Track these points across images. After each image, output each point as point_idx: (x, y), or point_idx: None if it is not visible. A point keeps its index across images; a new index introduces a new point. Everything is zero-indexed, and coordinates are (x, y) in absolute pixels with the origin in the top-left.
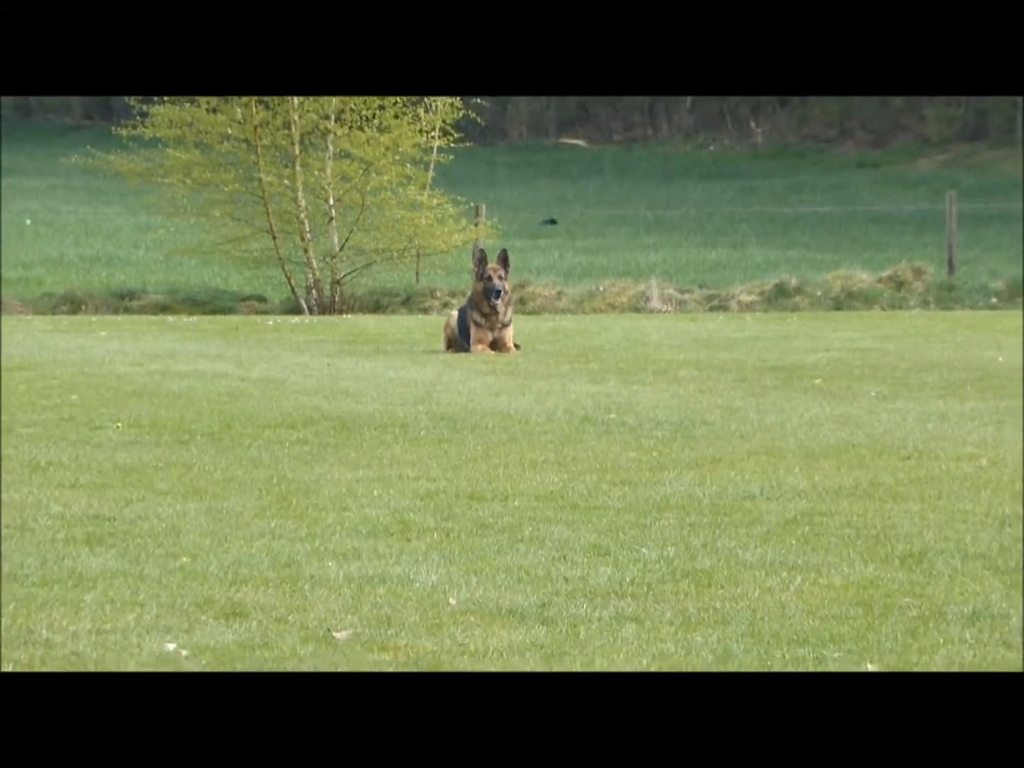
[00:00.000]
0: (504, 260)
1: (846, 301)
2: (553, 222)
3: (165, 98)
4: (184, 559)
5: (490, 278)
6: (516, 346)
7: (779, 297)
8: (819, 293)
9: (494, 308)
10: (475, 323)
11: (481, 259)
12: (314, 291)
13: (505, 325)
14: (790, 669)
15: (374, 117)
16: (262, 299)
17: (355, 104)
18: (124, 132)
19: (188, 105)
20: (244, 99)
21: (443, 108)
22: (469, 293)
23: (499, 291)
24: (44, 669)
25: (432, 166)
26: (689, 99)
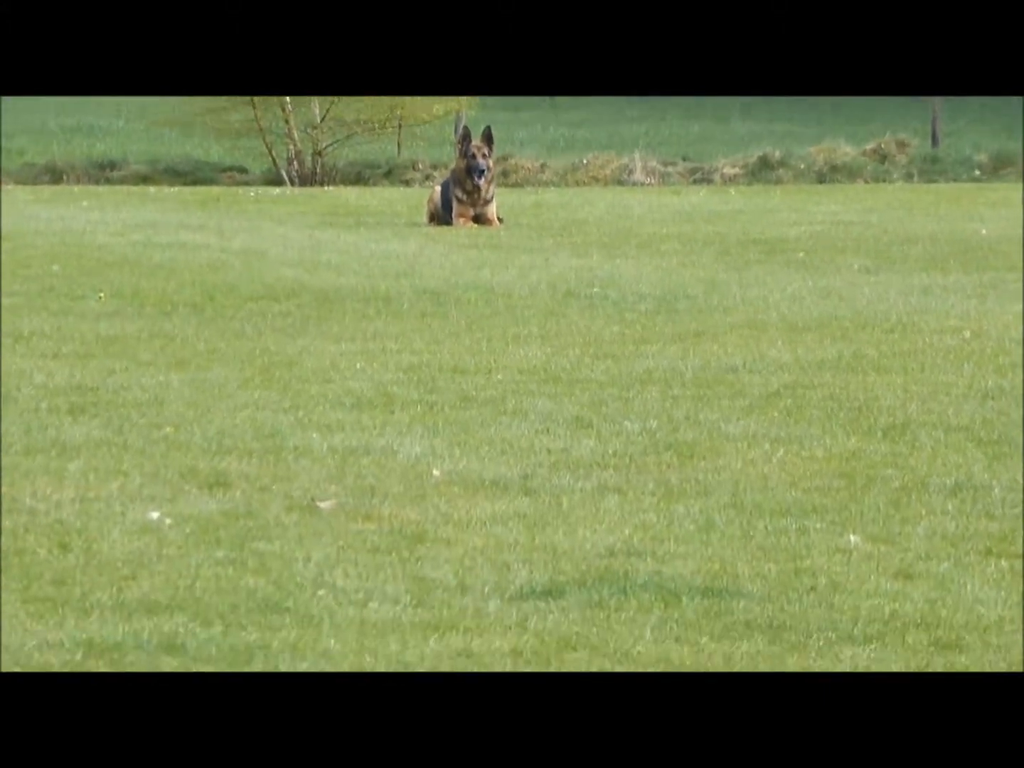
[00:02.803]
0: (488, 138)
1: (829, 174)
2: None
3: None
4: (168, 429)
5: (474, 156)
6: (500, 219)
7: (762, 170)
8: (802, 166)
9: (477, 186)
10: (457, 199)
11: (465, 136)
12: (295, 162)
13: (488, 202)
14: (772, 540)
15: None
16: (243, 170)
17: None
18: None
19: None
20: None
21: None
22: (452, 167)
23: (482, 170)
24: (28, 537)
25: None
26: None
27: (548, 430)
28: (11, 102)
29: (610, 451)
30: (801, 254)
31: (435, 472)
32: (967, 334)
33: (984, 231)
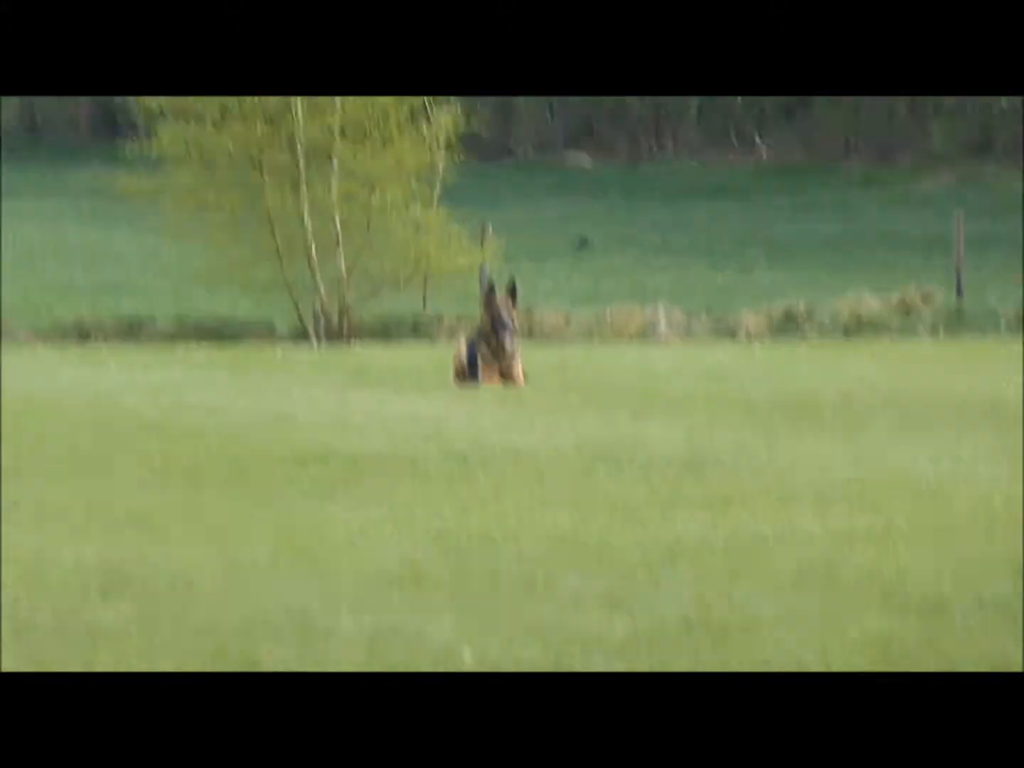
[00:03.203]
0: (512, 291)
1: (855, 329)
2: (586, 243)
3: (169, 115)
4: (198, 611)
5: (499, 313)
6: (524, 375)
7: (787, 324)
8: (827, 320)
9: (501, 343)
10: (482, 356)
11: (490, 290)
12: (322, 318)
13: (513, 356)
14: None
15: (376, 130)
16: (270, 326)
17: (358, 117)
18: (129, 150)
19: (192, 122)
20: (246, 114)
21: (445, 120)
22: (478, 325)
23: (507, 326)
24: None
25: (438, 182)
26: (694, 113)
27: (578, 609)
28: (39, 257)
29: (641, 631)
30: (828, 415)
31: (466, 657)
32: (998, 501)
33: (1012, 391)
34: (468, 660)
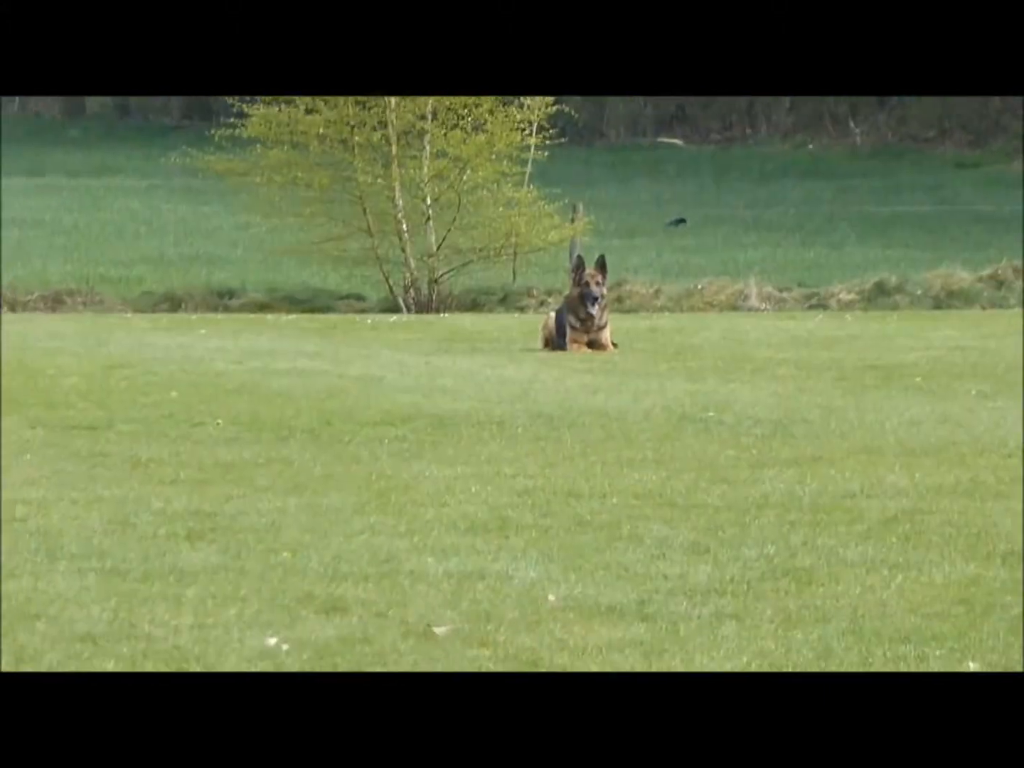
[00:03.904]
0: (602, 266)
1: (946, 300)
2: (682, 221)
3: (262, 99)
4: (284, 554)
5: (587, 284)
6: (614, 344)
7: (878, 296)
8: (919, 292)
9: (590, 314)
10: (571, 326)
11: (579, 265)
12: (412, 290)
13: (601, 328)
14: (891, 667)
15: (469, 115)
16: (360, 298)
17: (450, 103)
18: (221, 133)
19: (285, 106)
20: (340, 100)
21: (537, 105)
22: (566, 293)
23: (596, 297)
24: (146, 664)
25: (529, 162)
26: (788, 99)
27: (664, 555)
28: (132, 231)
29: (727, 577)
30: (918, 379)
31: (551, 597)
32: None
33: None
34: (552, 600)
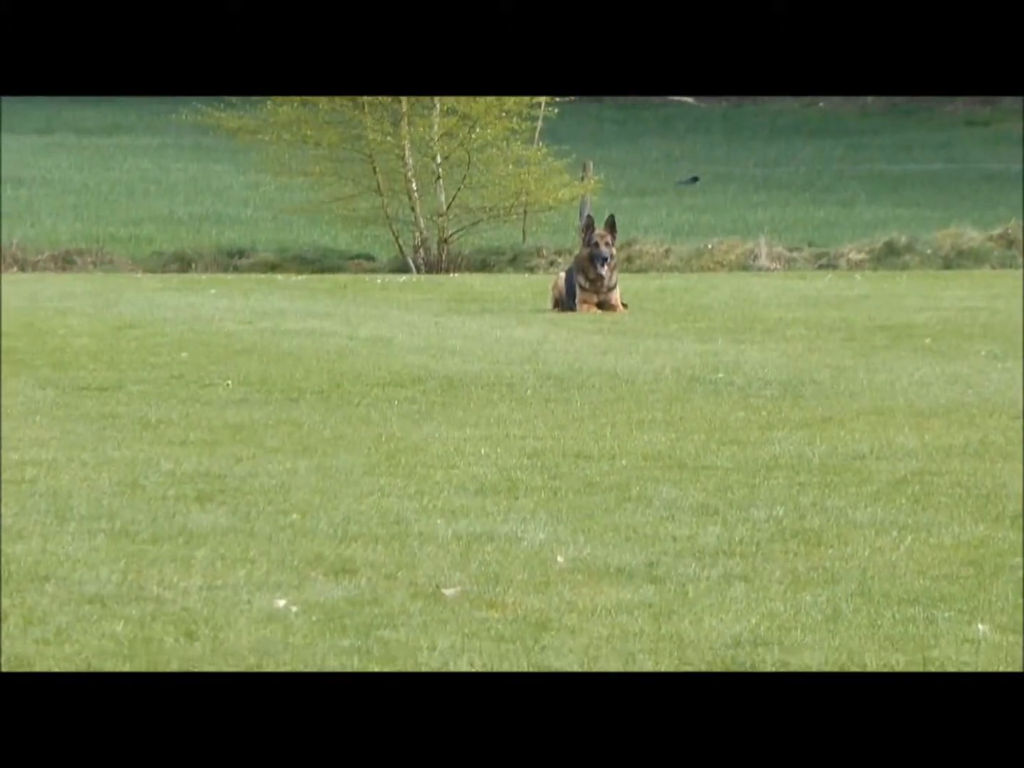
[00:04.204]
0: (611, 226)
1: (956, 259)
2: (696, 179)
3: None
4: (294, 516)
5: (597, 244)
6: (623, 305)
7: (888, 255)
8: (929, 251)
9: (600, 275)
10: (581, 286)
11: (588, 225)
12: (421, 250)
13: (611, 288)
14: (900, 629)
15: None
16: (370, 258)
17: None
18: None
19: None
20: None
21: None
22: (576, 254)
23: (605, 258)
24: (155, 626)
25: (540, 119)
26: None
27: (673, 517)
28: (142, 190)
29: (736, 538)
30: (928, 340)
31: (559, 559)
32: None
33: None
34: (561, 562)
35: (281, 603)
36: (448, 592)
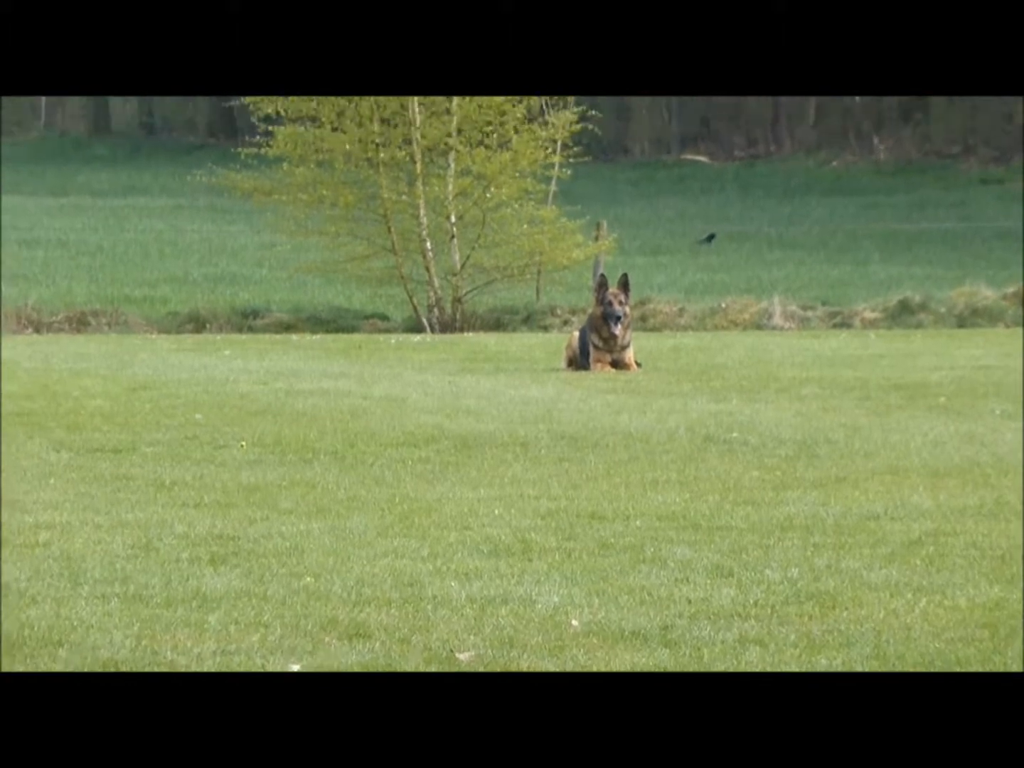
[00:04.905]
0: (625, 284)
1: (970, 318)
2: (712, 237)
3: (287, 118)
4: (307, 579)
5: (610, 303)
6: (637, 364)
7: (903, 314)
8: (943, 310)
9: (613, 334)
10: (594, 345)
11: (601, 283)
12: (436, 309)
13: (625, 347)
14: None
15: (493, 132)
16: (384, 317)
17: (475, 119)
18: (247, 151)
19: (310, 125)
20: (364, 116)
21: (561, 123)
22: (589, 311)
23: (618, 317)
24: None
25: (553, 180)
26: (812, 114)
27: (688, 579)
28: (156, 251)
29: (751, 600)
30: (942, 399)
31: (574, 623)
32: None
33: None
34: (576, 625)
35: (295, 668)
36: (462, 656)
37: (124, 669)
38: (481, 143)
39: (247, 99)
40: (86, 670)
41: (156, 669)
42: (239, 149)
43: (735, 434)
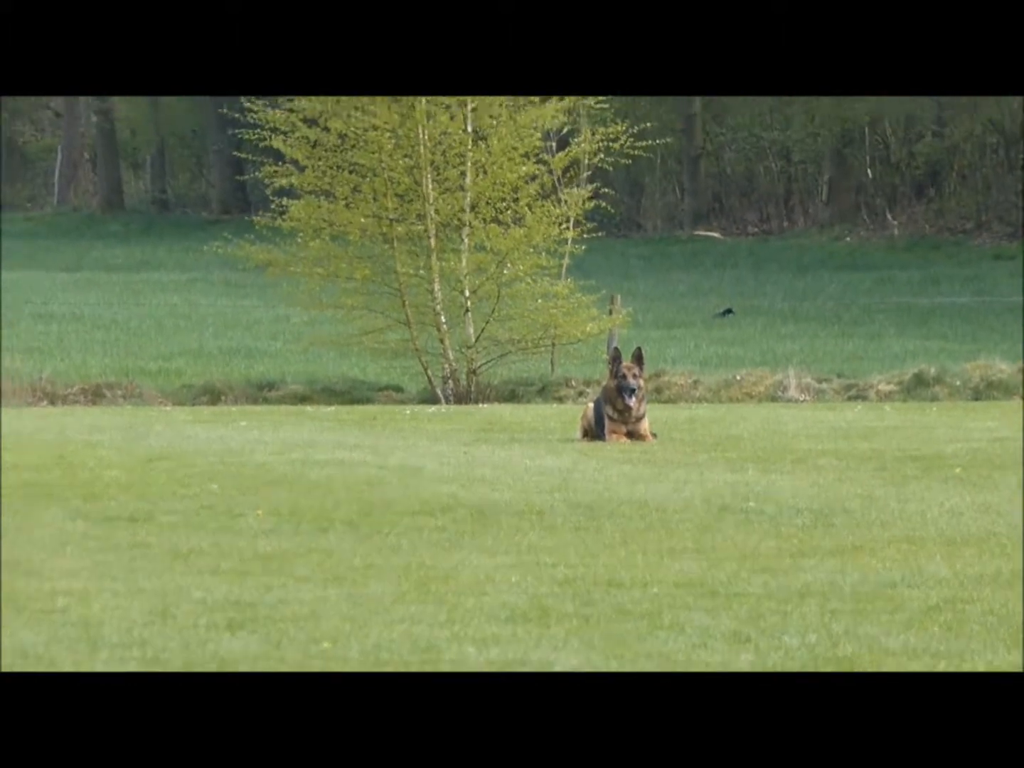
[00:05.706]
0: (638, 358)
1: (985, 391)
2: (730, 311)
3: (302, 192)
4: (325, 644)
5: (624, 376)
6: (653, 435)
7: (918, 387)
8: (958, 383)
9: (628, 406)
10: (609, 417)
11: (616, 357)
12: (450, 381)
13: (639, 419)
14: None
15: (507, 209)
16: (399, 389)
17: (489, 196)
18: (261, 222)
19: (324, 200)
20: (379, 191)
21: (574, 200)
22: (604, 382)
23: (633, 389)
24: None
25: (567, 256)
26: (825, 190)
27: (706, 645)
28: (171, 324)
29: (769, 666)
30: (958, 470)
31: None
32: None
33: None
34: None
35: None
36: None
37: None
38: (495, 219)
39: (261, 173)
40: None
41: None
42: (254, 217)
43: (751, 504)
